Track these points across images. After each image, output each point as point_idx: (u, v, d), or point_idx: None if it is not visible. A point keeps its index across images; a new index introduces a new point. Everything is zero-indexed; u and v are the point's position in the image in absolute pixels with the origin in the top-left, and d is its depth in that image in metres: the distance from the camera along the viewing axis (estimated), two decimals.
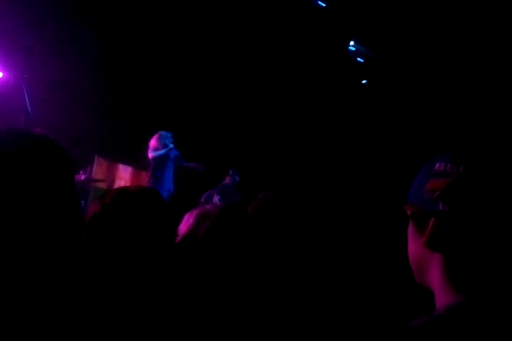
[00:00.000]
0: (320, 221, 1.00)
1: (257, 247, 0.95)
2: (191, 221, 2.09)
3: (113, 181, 8.97)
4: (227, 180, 7.88)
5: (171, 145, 6.92)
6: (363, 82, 10.29)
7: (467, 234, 0.90)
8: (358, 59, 10.07)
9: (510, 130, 6.20)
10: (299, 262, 0.93)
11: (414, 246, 0.99)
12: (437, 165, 0.96)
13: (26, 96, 5.93)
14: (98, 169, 8.65)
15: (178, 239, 1.93)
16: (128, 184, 8.99)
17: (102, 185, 8.58)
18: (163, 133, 7.09)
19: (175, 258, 1.57)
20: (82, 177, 7.36)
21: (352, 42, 9.66)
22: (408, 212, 0.99)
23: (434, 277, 0.94)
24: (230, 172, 7.92)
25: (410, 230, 1.00)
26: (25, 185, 0.98)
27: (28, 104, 5.91)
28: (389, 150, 8.92)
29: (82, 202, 7.53)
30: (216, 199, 7.50)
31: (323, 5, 9.03)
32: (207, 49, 8.83)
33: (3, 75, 7.51)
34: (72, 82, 8.07)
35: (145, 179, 9.23)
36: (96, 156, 8.64)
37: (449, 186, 0.92)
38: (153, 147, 7.01)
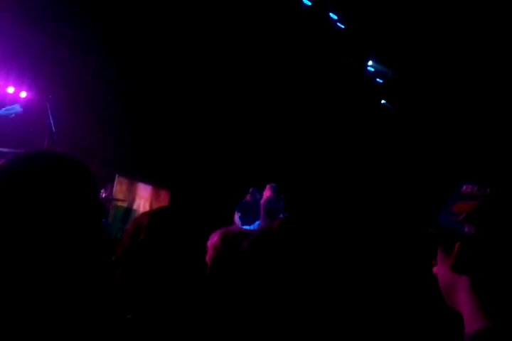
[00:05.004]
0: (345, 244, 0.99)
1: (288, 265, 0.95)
2: (215, 239, 2.14)
3: (133, 200, 9.03)
4: (248, 197, 7.89)
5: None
6: (383, 102, 10.30)
7: (493, 258, 0.87)
8: (377, 79, 10.10)
9: None
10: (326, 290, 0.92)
11: (442, 269, 0.97)
12: (464, 187, 0.94)
13: (50, 115, 6.05)
14: (118, 188, 8.72)
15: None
16: (148, 202, 9.05)
17: (121, 204, 8.65)
18: (275, 185, 7.48)
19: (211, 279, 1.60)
20: (103, 196, 7.42)
21: (370, 63, 9.69)
22: (436, 234, 0.97)
23: (462, 300, 0.92)
24: (251, 190, 7.93)
25: (439, 253, 0.98)
26: (49, 205, 1.00)
27: (52, 123, 6.02)
28: (416, 172, 8.86)
29: (103, 220, 7.59)
30: (237, 216, 7.55)
31: (343, 27, 9.13)
32: (225, 66, 8.94)
33: (28, 95, 7.69)
34: (96, 101, 8.22)
35: (165, 197, 9.30)
36: (117, 175, 8.72)
37: (475, 209, 0.90)
38: (269, 198, 7.39)
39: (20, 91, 7.73)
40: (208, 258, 2.06)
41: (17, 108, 5.95)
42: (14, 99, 7.54)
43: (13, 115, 5.97)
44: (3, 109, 5.95)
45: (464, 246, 0.90)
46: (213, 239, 2.14)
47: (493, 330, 0.85)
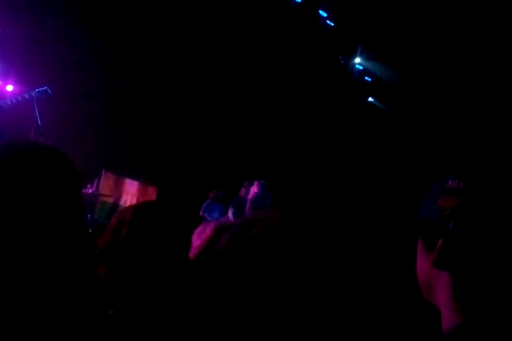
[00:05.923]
0: (327, 244, 0.99)
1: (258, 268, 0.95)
2: (209, 233, 2.11)
3: (120, 195, 8.98)
4: (243, 192, 7.68)
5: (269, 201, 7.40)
6: (370, 99, 10.34)
7: (476, 256, 0.86)
8: (366, 78, 10.13)
9: None
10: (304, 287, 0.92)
11: (422, 264, 0.94)
12: (450, 182, 0.92)
13: (37, 109, 5.99)
14: (105, 183, 8.67)
15: (193, 250, 1.97)
16: (134, 198, 9.00)
17: (108, 199, 8.60)
18: (264, 182, 7.43)
19: (193, 272, 1.59)
20: (89, 191, 7.37)
21: (359, 60, 9.72)
22: (418, 228, 0.95)
23: (441, 296, 0.91)
24: (245, 184, 7.71)
25: (419, 247, 0.96)
26: (30, 197, 0.98)
27: (38, 117, 5.96)
28: (399, 165, 8.91)
29: (89, 215, 7.55)
30: (230, 211, 7.43)
31: (332, 24, 9.14)
32: (219, 64, 8.93)
33: (14, 88, 7.60)
34: (84, 95, 8.16)
35: (152, 193, 9.26)
36: (103, 170, 8.67)
37: (461, 205, 0.88)
38: (256, 194, 7.34)
39: (7, 84, 7.65)
40: (196, 252, 2.05)
41: (48, 90, 5.88)
42: (0, 92, 7.47)
43: (43, 96, 5.89)
44: (36, 90, 5.89)
45: (448, 242, 0.88)
46: (205, 232, 2.12)
47: (470, 327, 0.84)
